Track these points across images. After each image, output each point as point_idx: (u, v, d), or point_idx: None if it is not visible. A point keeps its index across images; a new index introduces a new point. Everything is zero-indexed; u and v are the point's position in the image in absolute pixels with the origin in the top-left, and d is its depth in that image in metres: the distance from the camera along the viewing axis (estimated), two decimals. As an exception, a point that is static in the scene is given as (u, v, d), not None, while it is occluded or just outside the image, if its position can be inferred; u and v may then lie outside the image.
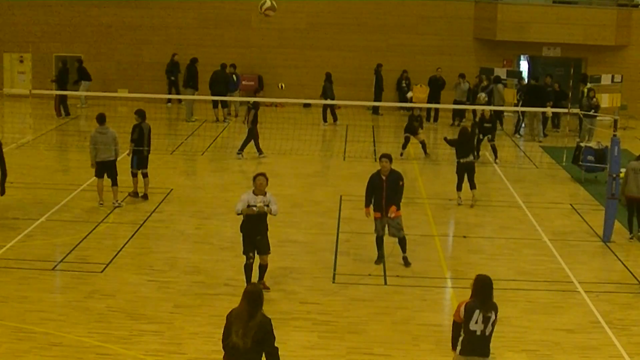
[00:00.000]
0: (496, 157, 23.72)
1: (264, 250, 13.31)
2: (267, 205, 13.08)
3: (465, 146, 19.07)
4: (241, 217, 13.20)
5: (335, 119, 28.97)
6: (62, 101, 28.50)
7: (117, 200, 17.65)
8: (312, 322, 12.20)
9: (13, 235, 15.66)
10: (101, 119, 17.69)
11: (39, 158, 21.98)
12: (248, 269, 13.33)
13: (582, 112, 25.34)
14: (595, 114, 26.08)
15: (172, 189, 19.44)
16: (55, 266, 14.20)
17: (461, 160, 18.99)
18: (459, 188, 19.03)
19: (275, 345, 8.35)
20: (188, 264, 14.53)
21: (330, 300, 13.16)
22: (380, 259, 14.75)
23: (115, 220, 16.94)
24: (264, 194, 13.13)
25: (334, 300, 13.17)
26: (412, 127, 23.92)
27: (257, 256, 13.37)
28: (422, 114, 31.31)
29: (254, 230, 13.18)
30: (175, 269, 14.26)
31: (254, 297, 8.24)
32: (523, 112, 27.98)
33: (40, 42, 32.28)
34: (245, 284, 12.97)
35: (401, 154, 23.57)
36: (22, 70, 32.84)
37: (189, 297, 13.05)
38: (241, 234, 13.40)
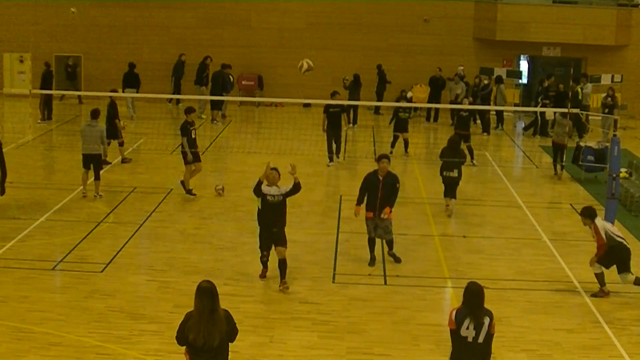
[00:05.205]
0: (472, 157, 23.11)
1: (281, 242, 13.40)
2: (283, 195, 13.39)
3: (452, 155, 18.43)
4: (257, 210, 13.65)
5: (351, 122, 28.19)
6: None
7: (98, 193, 18.44)
8: (312, 322, 12.19)
9: (13, 235, 15.65)
10: (94, 113, 18.75)
11: (39, 158, 21.97)
12: (264, 264, 13.77)
13: (578, 112, 25.34)
14: (588, 112, 26.09)
15: (172, 189, 19.44)
16: (55, 266, 14.19)
17: (444, 174, 18.33)
18: (446, 195, 18.59)
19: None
20: (188, 264, 14.52)
21: (330, 300, 13.15)
22: (373, 260, 14.75)
23: (115, 220, 16.94)
24: (277, 186, 13.50)
25: (333, 300, 13.17)
26: (401, 124, 23.69)
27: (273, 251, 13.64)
28: (422, 114, 31.47)
29: (271, 222, 13.41)
30: (175, 269, 14.26)
31: (211, 292, 8.60)
32: (542, 114, 27.64)
33: (40, 42, 32.29)
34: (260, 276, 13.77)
35: (390, 152, 23.24)
36: (22, 70, 32.83)
37: (189, 297, 12.88)
38: (258, 227, 13.71)
